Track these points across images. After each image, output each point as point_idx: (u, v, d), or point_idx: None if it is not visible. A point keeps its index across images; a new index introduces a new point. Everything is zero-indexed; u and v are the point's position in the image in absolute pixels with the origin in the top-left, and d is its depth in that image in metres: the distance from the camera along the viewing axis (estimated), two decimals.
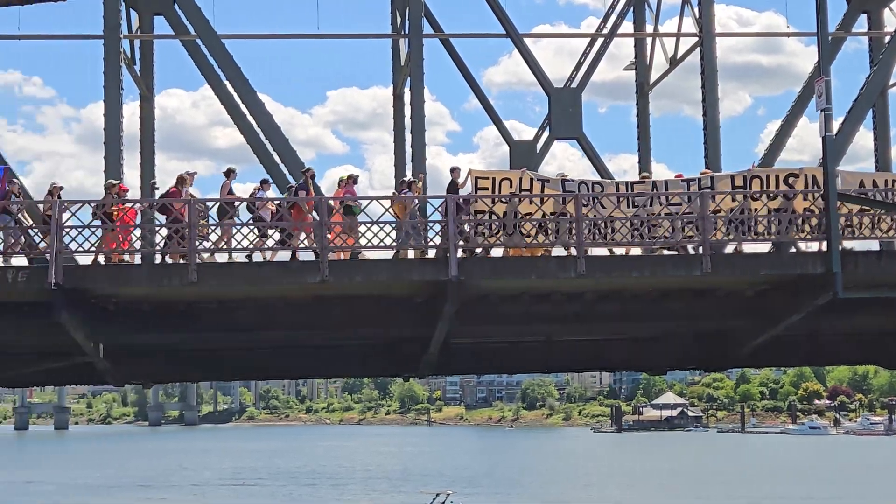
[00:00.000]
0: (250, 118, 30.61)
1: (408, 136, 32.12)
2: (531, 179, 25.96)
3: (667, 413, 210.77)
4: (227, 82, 30.62)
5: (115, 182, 26.18)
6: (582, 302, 26.75)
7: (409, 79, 30.96)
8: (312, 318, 26.94)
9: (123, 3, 29.30)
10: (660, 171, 34.93)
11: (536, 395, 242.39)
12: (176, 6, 31.35)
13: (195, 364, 31.05)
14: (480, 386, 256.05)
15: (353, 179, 26.74)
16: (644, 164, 34.10)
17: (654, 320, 27.75)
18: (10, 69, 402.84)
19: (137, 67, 33.43)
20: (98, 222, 24.30)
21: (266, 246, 24.83)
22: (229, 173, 26.61)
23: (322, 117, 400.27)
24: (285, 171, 29.11)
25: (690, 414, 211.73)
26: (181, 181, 25.63)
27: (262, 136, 30.15)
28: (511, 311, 27.03)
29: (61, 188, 25.65)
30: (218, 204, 25.09)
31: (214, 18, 29.68)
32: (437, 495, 66.98)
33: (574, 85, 32.97)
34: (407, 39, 31.11)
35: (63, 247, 23.51)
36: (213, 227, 24.67)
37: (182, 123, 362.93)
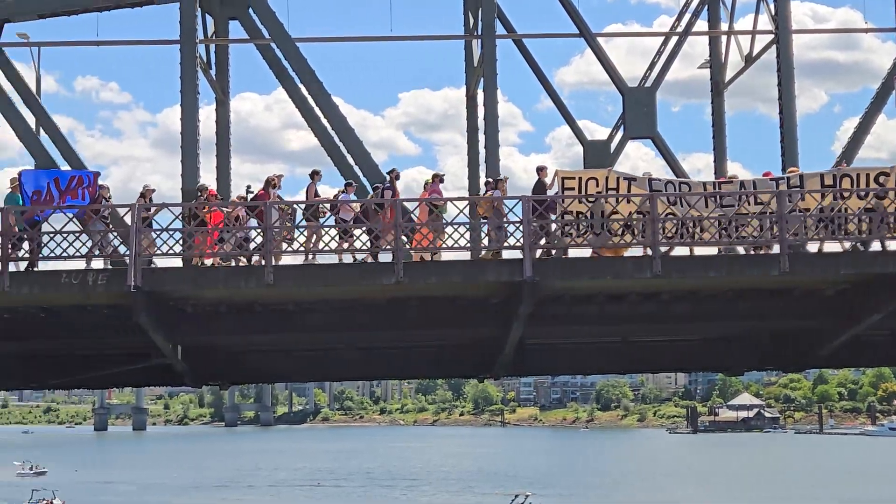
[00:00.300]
0: (324, 121, 30.76)
1: (481, 137, 32.11)
2: (617, 178, 25.75)
3: (743, 414, 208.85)
4: (301, 85, 30.81)
5: (205, 186, 26.41)
6: (658, 302, 26.57)
7: (482, 79, 30.94)
8: (387, 320, 27.01)
9: (199, 9, 29.55)
10: (735, 170, 34.50)
11: (611, 396, 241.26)
12: (251, 10, 31.60)
13: (271, 365, 31.29)
14: (554, 387, 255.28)
15: (439, 179, 26.64)
16: (719, 163, 33.76)
17: (730, 320, 27.50)
18: (87, 75, 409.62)
19: (213, 72, 33.73)
20: (175, 225, 24.60)
21: (349, 248, 24.79)
22: (314, 175, 26.70)
23: (394, 119, 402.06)
24: (359, 173, 29.22)
25: (767, 415, 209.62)
26: (269, 184, 25.76)
27: (336, 139, 30.29)
28: (586, 311, 26.94)
29: (153, 191, 26.02)
30: (302, 206, 25.23)
31: (288, 22, 29.86)
32: (516, 496, 66.91)
33: (648, 84, 32.74)
34: (480, 40, 31.08)
35: (142, 249, 23.80)
36: (298, 230, 24.81)
37: (255, 127, 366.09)
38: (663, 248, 24.58)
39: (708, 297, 26.59)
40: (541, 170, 26.44)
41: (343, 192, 26.32)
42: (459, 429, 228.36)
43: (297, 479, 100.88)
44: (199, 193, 26.24)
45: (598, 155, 32.20)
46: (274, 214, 24.48)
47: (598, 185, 25.53)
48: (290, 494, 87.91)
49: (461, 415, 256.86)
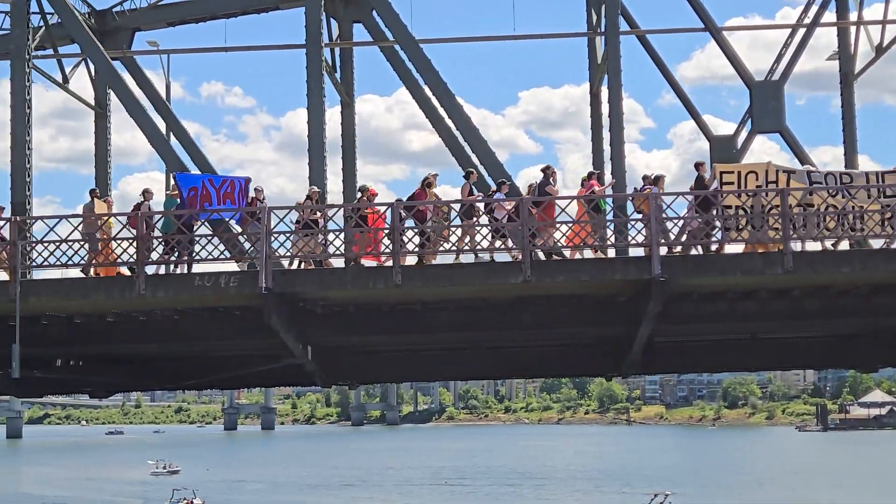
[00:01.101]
0: (448, 121, 30.91)
1: (604, 134, 31.97)
2: (777, 171, 25.31)
3: (875, 411, 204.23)
4: (424, 86, 30.99)
5: (366, 186, 26.62)
6: (789, 298, 26.12)
7: (605, 76, 30.79)
8: (514, 319, 27.01)
9: (324, 13, 29.88)
10: (863, 163, 33.80)
11: (738, 394, 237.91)
12: (374, 13, 31.90)
13: (398, 365, 31.52)
14: (681, 384, 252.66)
15: (594, 176, 26.51)
16: (849, 156, 33.12)
17: (863, 316, 26.87)
18: (213, 80, 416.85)
19: (338, 74, 34.11)
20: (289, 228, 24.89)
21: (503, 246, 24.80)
22: (469, 175, 26.69)
23: (515, 118, 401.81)
24: (483, 172, 29.27)
25: None
26: (428, 184, 25.83)
27: (459, 138, 30.40)
28: (715, 308, 26.59)
29: (319, 192, 26.41)
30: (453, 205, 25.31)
31: (412, 23, 30.05)
32: (656, 495, 66.27)
33: (775, 77, 32.28)
34: (603, 37, 30.94)
35: (272, 251, 24.16)
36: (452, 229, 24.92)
37: (377, 128, 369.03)
38: (828, 243, 24.24)
39: (841, 292, 26.05)
40: (699, 165, 26.21)
41: (497, 190, 26.22)
42: (584, 427, 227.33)
43: (423, 477, 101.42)
44: (360, 194, 26.37)
45: (724, 150, 31.87)
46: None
47: (757, 179, 25.06)
48: (417, 493, 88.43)
49: (586, 413, 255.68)
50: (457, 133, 30.38)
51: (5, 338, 25.15)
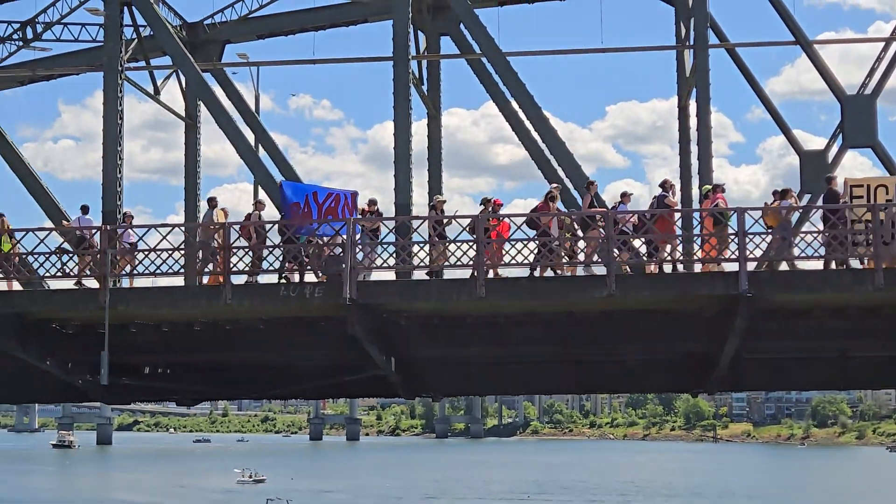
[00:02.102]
0: (534, 134, 30.84)
1: (692, 149, 31.69)
2: None
3: None
4: (511, 99, 30.97)
5: (489, 198, 26.58)
6: (880, 316, 25.65)
7: (694, 90, 30.54)
8: (598, 333, 26.86)
9: (412, 26, 29.98)
10: None
11: (827, 413, 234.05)
12: (462, 26, 31.95)
13: (482, 378, 31.44)
14: (768, 402, 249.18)
15: (720, 189, 26.26)
16: None
17: None
18: (301, 93, 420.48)
19: (425, 87, 34.21)
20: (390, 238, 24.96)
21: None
22: (591, 185, 26.63)
23: (602, 131, 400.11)
24: (569, 185, 29.16)
25: None
26: (551, 197, 25.75)
27: (546, 152, 30.31)
28: (803, 325, 26.23)
29: (444, 201, 26.50)
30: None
31: (499, 36, 30.05)
32: None
33: (868, 92, 31.77)
34: (692, 50, 30.69)
35: (357, 263, 24.26)
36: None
37: (463, 141, 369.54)
38: None
39: None
40: (831, 179, 25.95)
41: (620, 202, 26.07)
42: (670, 444, 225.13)
43: (506, 491, 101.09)
44: (482, 205, 26.34)
45: (814, 165, 31.44)
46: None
47: (888, 193, 24.76)
48: None
49: (672, 430, 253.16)
50: (543, 146, 30.29)
51: (95, 345, 25.56)
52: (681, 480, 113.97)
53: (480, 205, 26.40)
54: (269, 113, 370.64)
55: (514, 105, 31.10)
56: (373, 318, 24.98)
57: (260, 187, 31.40)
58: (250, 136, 33.10)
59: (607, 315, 26.21)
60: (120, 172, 29.89)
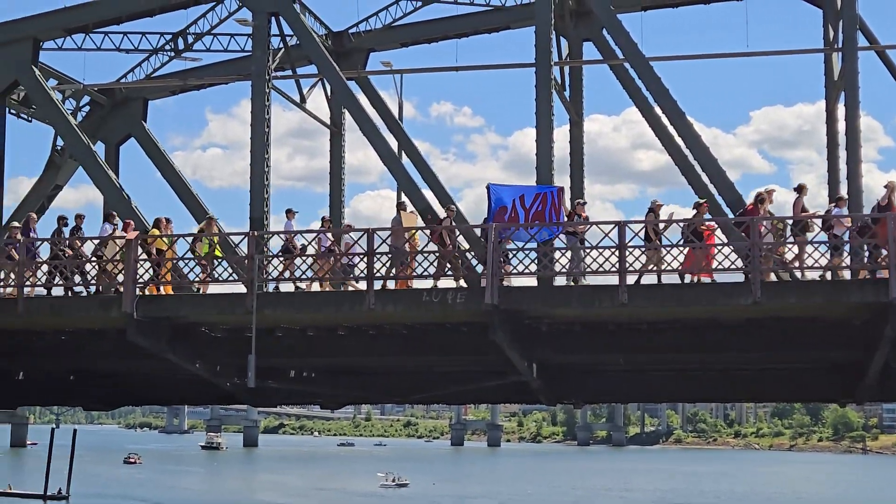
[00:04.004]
0: (678, 139, 30.53)
1: (840, 153, 31.04)
2: None
3: None
4: (654, 104, 30.71)
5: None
6: None
7: (842, 93, 29.91)
8: (743, 341, 26.49)
9: (554, 32, 29.93)
10: None
11: None
12: (604, 31, 31.79)
13: (624, 385, 31.28)
14: None
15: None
16: None
17: None
18: (442, 100, 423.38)
19: (567, 93, 34.12)
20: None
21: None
22: (801, 189, 26.00)
23: (746, 137, 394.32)
24: (714, 192, 28.80)
25: None
26: (761, 200, 25.35)
27: (690, 158, 29.98)
28: None
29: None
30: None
31: (642, 41, 29.83)
32: None
33: None
34: (841, 53, 30.06)
35: (497, 269, 24.31)
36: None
37: (604, 147, 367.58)
38: None
39: None
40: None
41: (835, 206, 25.68)
42: (817, 455, 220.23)
43: (648, 500, 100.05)
44: (649, 210, 26.16)
45: None
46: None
47: None
48: None
49: (819, 440, 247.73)
50: (687, 152, 29.98)
51: (242, 348, 26.10)
52: (828, 492, 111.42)
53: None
54: (410, 120, 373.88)
55: (658, 110, 30.85)
56: (514, 324, 25.01)
57: (403, 193, 31.68)
58: (393, 144, 33.41)
59: (753, 322, 25.82)
60: (267, 180, 30.45)
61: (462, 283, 25.93)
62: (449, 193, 34.00)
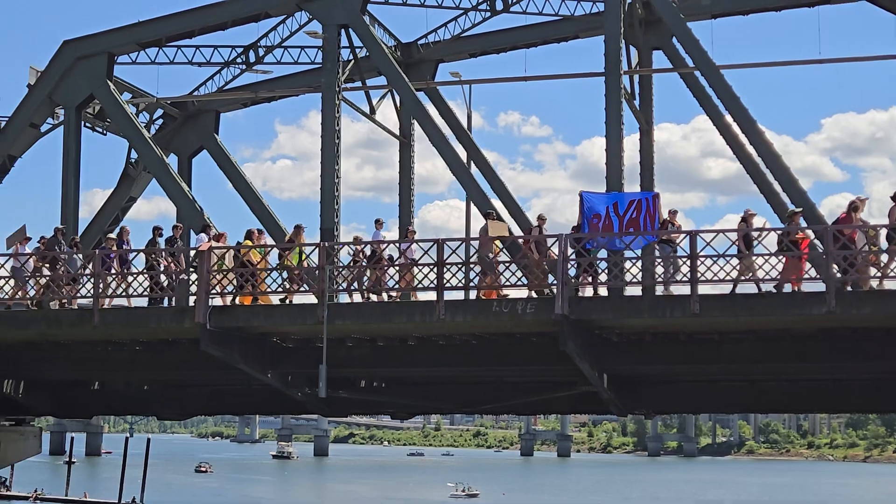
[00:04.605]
0: (749, 147, 30.30)
1: None
2: None
3: None
4: (725, 112, 30.51)
5: (795, 210, 26.02)
6: None
7: None
8: (817, 351, 26.15)
9: (623, 41, 29.84)
10: None
11: None
12: (674, 40, 31.65)
13: (695, 396, 31.01)
14: None
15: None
16: None
17: None
18: (509, 110, 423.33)
19: (636, 102, 34.00)
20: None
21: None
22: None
23: (818, 144, 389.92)
24: (786, 199, 28.54)
25: None
26: (854, 208, 24.68)
27: (761, 165, 29.73)
28: None
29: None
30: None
31: (712, 49, 29.67)
32: None
33: None
34: None
35: (568, 278, 24.24)
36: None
37: (673, 156, 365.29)
38: None
39: None
40: None
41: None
42: (893, 466, 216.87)
43: None
44: (742, 220, 25.45)
45: None
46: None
47: None
48: None
49: (895, 452, 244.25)
50: (758, 160, 29.73)
51: (313, 359, 26.23)
52: None
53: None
54: (478, 130, 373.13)
55: (728, 118, 30.63)
56: (585, 334, 24.91)
57: (472, 203, 31.72)
58: (462, 154, 33.48)
59: (826, 332, 25.50)
60: (337, 191, 30.65)
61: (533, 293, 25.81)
62: (517, 203, 34.07)
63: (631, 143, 33.79)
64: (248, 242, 27.56)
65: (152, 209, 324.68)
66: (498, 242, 26.65)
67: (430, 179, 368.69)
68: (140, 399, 34.47)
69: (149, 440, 74.95)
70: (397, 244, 27.52)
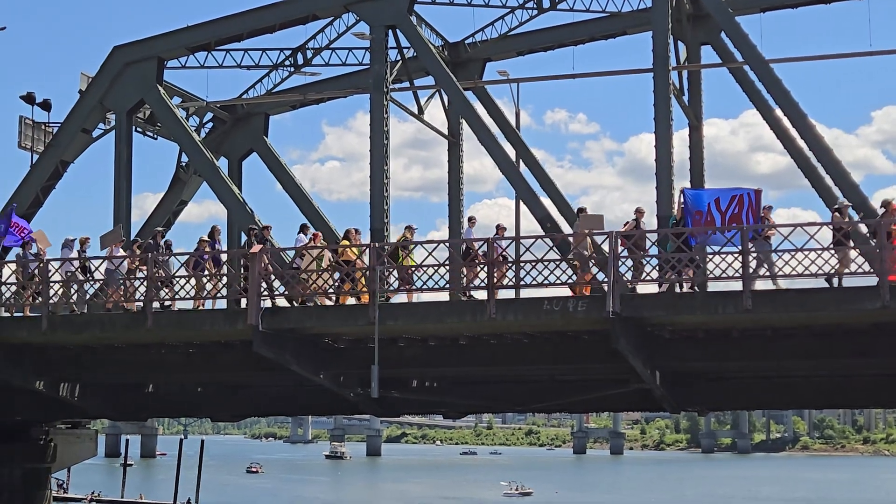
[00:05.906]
0: (799, 141, 30.09)
1: None
2: None
3: None
4: (775, 106, 30.32)
5: (845, 204, 25.66)
6: None
7: None
8: (871, 346, 25.92)
9: (671, 36, 29.72)
10: None
11: None
12: (723, 34, 31.47)
13: (749, 392, 30.82)
14: None
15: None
16: None
17: None
18: (556, 108, 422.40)
19: (685, 97, 33.83)
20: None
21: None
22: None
23: (869, 137, 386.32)
24: (838, 193, 28.31)
25: None
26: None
27: (812, 159, 29.51)
28: None
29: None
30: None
31: (761, 43, 29.49)
32: None
33: None
34: None
35: (619, 276, 24.18)
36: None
37: (721, 151, 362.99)
38: None
39: None
40: None
41: None
42: None
43: None
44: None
45: None
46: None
47: None
48: None
49: None
50: (809, 154, 29.51)
51: (365, 359, 26.32)
52: None
53: (881, 207, 25.17)
54: (525, 128, 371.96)
55: (778, 112, 30.43)
56: (637, 332, 24.84)
57: (523, 202, 31.69)
58: (510, 152, 33.45)
59: (880, 327, 25.27)
60: (386, 191, 30.75)
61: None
62: (566, 200, 34.00)
63: (679, 139, 33.68)
64: (345, 242, 27.73)
65: (202, 212, 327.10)
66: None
67: (478, 178, 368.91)
68: (194, 401, 34.72)
69: (203, 442, 75.51)
70: (446, 244, 27.50)
